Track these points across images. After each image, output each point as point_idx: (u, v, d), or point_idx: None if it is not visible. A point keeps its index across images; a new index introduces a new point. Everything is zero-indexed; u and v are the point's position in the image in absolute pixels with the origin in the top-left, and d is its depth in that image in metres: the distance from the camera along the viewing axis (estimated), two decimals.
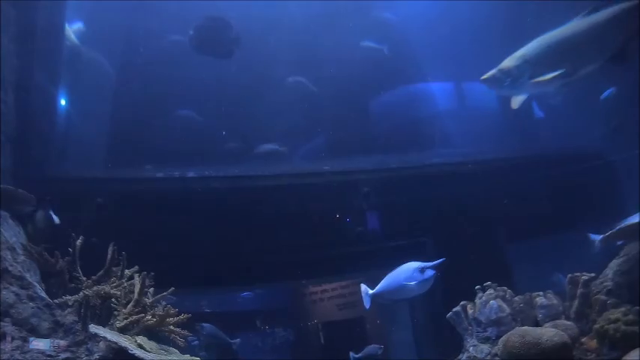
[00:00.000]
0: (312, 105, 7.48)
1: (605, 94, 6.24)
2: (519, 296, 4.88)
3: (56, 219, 4.54)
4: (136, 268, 4.35)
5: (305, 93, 7.55)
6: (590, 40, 4.55)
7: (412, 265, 4.71)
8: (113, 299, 4.01)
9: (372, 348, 7.06)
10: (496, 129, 7.59)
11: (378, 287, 4.95)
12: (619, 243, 4.37)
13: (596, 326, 3.93)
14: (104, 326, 3.74)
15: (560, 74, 4.50)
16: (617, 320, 3.79)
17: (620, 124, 6.12)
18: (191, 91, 7.20)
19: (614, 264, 4.28)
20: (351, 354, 7.07)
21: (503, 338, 4.17)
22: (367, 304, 5.08)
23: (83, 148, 6.37)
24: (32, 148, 5.21)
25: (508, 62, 4.64)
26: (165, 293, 4.35)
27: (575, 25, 4.61)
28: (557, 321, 4.37)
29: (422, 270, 4.62)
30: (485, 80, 4.69)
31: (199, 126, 7.21)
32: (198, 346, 7.53)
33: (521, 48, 4.68)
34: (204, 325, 6.16)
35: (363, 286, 5.07)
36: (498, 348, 4.23)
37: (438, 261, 4.54)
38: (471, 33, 7.27)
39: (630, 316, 3.77)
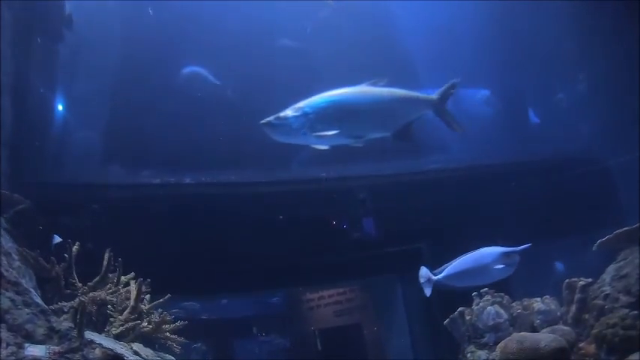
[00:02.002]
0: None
1: None
2: (517, 302, 4.89)
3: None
4: (132, 274, 4.33)
5: (203, 85, 6.90)
6: (373, 111, 4.68)
7: (496, 250, 4.61)
8: (109, 306, 3.99)
9: None
10: (493, 135, 7.60)
11: (448, 270, 4.75)
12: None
13: (594, 331, 3.94)
14: (100, 333, 3.72)
15: (336, 134, 4.52)
16: (615, 325, 3.80)
17: None
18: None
19: (611, 269, 4.30)
20: None
21: (501, 344, 4.18)
22: (428, 290, 4.84)
23: (79, 153, 6.35)
24: (28, 153, 5.19)
25: (288, 111, 4.60)
26: (161, 300, 4.33)
27: (361, 93, 4.69)
28: (555, 326, 4.39)
29: (508, 255, 4.54)
30: (263, 125, 4.64)
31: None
32: (196, 350, 7.50)
33: (305, 100, 4.66)
34: None
35: (424, 270, 4.87)
36: (496, 354, 4.24)
37: (524, 246, 4.49)
38: (467, 38, 7.29)
39: (628, 321, 3.78)
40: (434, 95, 4.82)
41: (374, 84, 4.71)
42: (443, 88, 4.81)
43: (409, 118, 4.79)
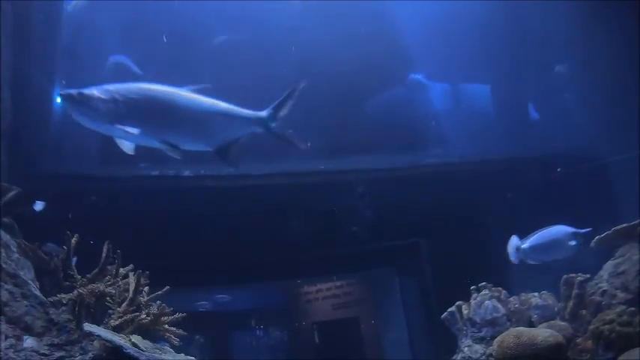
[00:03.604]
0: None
1: None
2: (514, 297, 4.91)
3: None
4: (131, 266, 4.32)
5: (127, 75, 6.54)
6: (190, 120, 4.25)
7: (568, 228, 4.89)
8: (108, 298, 3.99)
9: None
10: (491, 129, 7.60)
11: (531, 241, 5.04)
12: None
13: (591, 327, 3.97)
14: (98, 325, 3.71)
15: (146, 135, 4.07)
16: (612, 321, 3.82)
17: None
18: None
19: (609, 265, 4.32)
20: None
21: (498, 339, 4.18)
22: (515, 259, 5.10)
23: (78, 145, 6.33)
24: (27, 145, 5.18)
25: (96, 91, 3.98)
26: (159, 292, 4.32)
27: (180, 96, 4.22)
28: (552, 322, 4.40)
29: (576, 234, 4.83)
30: (62, 96, 4.02)
31: None
32: (196, 344, 7.52)
33: (121, 84, 4.10)
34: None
35: (515, 239, 5.10)
36: (493, 348, 4.25)
37: (587, 229, 4.78)
38: (468, 33, 7.28)
39: (625, 317, 3.80)
40: (263, 112, 4.38)
41: (197, 91, 4.28)
42: (275, 103, 4.36)
43: (231, 135, 4.38)
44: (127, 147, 4.28)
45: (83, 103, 3.95)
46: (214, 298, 8.03)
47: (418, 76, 7.71)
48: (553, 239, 4.97)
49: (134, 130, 3.99)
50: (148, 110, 4.08)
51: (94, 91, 3.98)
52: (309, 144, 4.60)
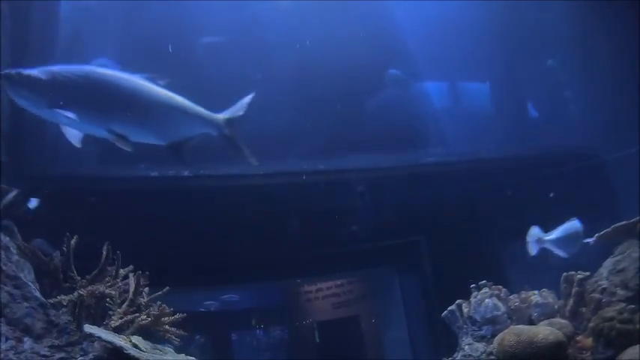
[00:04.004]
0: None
1: None
2: (514, 295, 4.91)
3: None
4: (131, 267, 4.32)
5: None
6: (143, 110, 4.01)
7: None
8: (108, 299, 3.99)
9: None
10: (491, 128, 7.61)
11: (557, 233, 5.10)
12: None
13: (592, 325, 3.96)
14: (99, 326, 3.71)
15: (93, 123, 3.83)
16: (612, 319, 3.81)
17: None
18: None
19: (609, 262, 4.31)
20: None
21: (499, 337, 4.18)
22: (535, 251, 5.15)
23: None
24: (26, 146, 5.18)
25: (37, 71, 3.69)
26: (159, 292, 4.33)
27: (134, 83, 3.97)
28: (553, 319, 4.39)
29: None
30: (2, 76, 3.71)
31: None
32: (196, 344, 7.53)
33: (68, 66, 3.81)
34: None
35: (536, 229, 5.15)
36: (493, 347, 4.25)
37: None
38: (467, 32, 7.28)
39: (625, 315, 3.79)
40: (220, 115, 4.24)
41: (151, 79, 4.05)
42: (232, 108, 4.24)
43: (185, 132, 4.22)
44: (74, 137, 4.05)
45: (21, 83, 3.70)
46: (223, 298, 8.05)
47: (396, 72, 7.66)
48: (575, 232, 5.03)
49: (73, 116, 3.71)
50: (92, 95, 3.81)
51: (34, 72, 3.72)
52: (257, 161, 4.45)
